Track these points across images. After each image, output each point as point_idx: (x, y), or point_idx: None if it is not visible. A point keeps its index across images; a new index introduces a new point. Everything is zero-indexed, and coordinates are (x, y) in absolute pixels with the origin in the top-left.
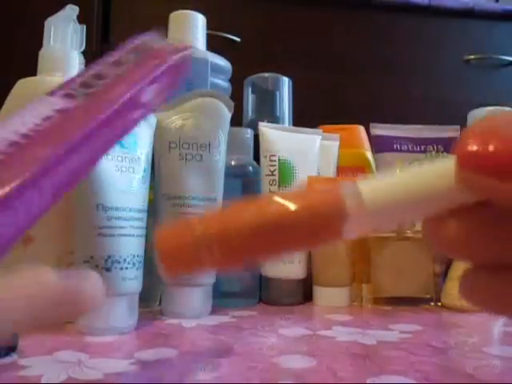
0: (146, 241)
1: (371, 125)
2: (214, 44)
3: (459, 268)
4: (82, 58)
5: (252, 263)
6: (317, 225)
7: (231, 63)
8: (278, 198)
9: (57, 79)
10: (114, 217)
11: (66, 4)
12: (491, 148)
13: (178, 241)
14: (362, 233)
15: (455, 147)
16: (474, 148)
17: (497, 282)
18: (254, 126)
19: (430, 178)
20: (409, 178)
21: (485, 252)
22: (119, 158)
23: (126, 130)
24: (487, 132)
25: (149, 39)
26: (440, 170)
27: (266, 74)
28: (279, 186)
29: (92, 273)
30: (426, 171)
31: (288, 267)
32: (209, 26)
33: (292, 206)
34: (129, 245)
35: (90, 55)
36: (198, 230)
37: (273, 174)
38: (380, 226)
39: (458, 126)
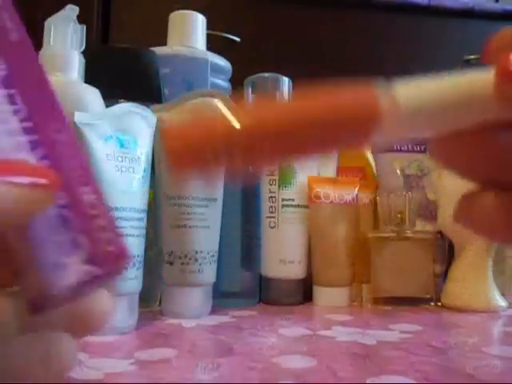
0: (146, 241)
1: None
2: (214, 44)
3: (459, 268)
4: (82, 57)
5: (275, 161)
6: (346, 124)
7: (231, 63)
8: (304, 94)
9: (57, 79)
10: (113, 217)
11: (66, 4)
12: None
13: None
14: (392, 138)
15: (496, 57)
16: None
17: (507, 203)
18: None
19: (468, 86)
20: (447, 84)
21: (498, 170)
22: (119, 158)
23: None
24: None
25: None
26: (480, 79)
27: (266, 74)
28: (279, 186)
29: (102, 290)
30: (466, 80)
31: (288, 267)
32: (209, 26)
33: (321, 102)
34: (129, 245)
35: (90, 55)
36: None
37: (273, 174)
38: (411, 133)
39: None
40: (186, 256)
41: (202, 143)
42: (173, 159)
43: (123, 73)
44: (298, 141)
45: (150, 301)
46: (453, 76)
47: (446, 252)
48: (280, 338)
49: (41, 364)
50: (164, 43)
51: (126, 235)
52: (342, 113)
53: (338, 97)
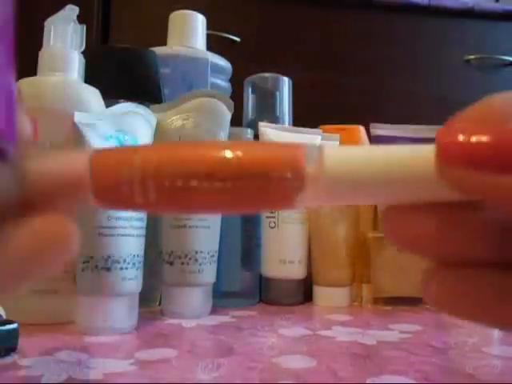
0: (146, 241)
1: (371, 125)
2: (214, 44)
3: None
4: (82, 57)
5: (188, 212)
6: (266, 186)
7: (231, 63)
8: (229, 145)
9: (57, 79)
10: (113, 217)
11: (66, 4)
12: (486, 136)
13: (113, 170)
14: (316, 204)
15: (437, 135)
16: (462, 137)
17: (473, 281)
18: (253, 126)
19: (408, 159)
20: (383, 154)
21: (463, 250)
22: None
23: None
24: (482, 116)
25: None
26: (422, 155)
27: (266, 74)
28: None
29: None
30: (406, 152)
31: (288, 267)
32: (209, 26)
33: (242, 156)
34: (129, 245)
35: (90, 55)
36: (135, 160)
37: None
38: (337, 201)
39: None
40: (186, 256)
41: (122, 177)
42: (97, 192)
43: (123, 73)
44: (212, 193)
45: (150, 301)
46: (394, 147)
47: None
48: (280, 338)
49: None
50: (164, 43)
51: (126, 235)
52: (264, 173)
53: (264, 153)
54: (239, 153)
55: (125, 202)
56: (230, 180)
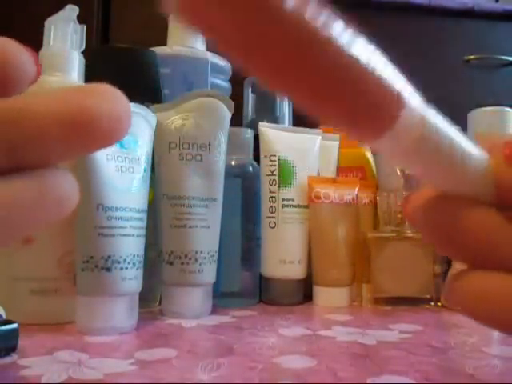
0: (146, 241)
1: None
2: (214, 44)
3: (459, 268)
4: (82, 57)
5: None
6: (370, 94)
7: (231, 63)
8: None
9: (57, 79)
10: (114, 217)
11: (66, 4)
12: None
13: None
14: (397, 156)
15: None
16: None
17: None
18: (254, 126)
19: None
20: (463, 142)
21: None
22: (119, 158)
23: None
24: None
25: None
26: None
27: None
28: (279, 186)
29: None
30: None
31: (288, 267)
32: None
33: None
34: (129, 245)
35: (90, 55)
36: None
37: (273, 174)
38: (410, 158)
39: (458, 126)
40: (186, 256)
41: None
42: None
43: (123, 73)
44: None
45: (150, 301)
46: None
47: None
48: (280, 337)
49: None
50: (164, 43)
51: (126, 235)
52: (370, 86)
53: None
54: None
55: None
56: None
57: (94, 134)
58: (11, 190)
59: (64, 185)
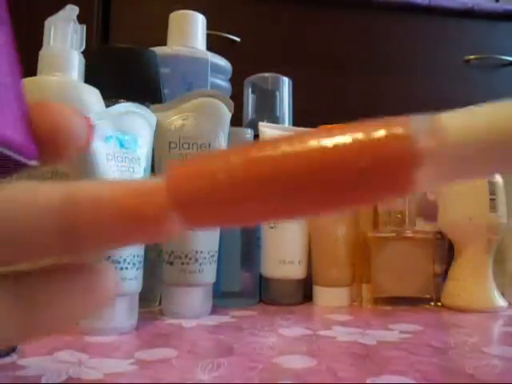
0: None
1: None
2: (214, 44)
3: (459, 268)
4: (82, 57)
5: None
6: (371, 171)
7: (231, 63)
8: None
9: (57, 79)
10: None
11: (66, 4)
12: None
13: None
14: (439, 183)
15: None
16: None
17: None
18: (253, 126)
19: None
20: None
21: None
22: (119, 158)
23: None
24: None
25: None
26: None
27: (266, 74)
28: None
29: (106, 266)
30: None
31: (288, 267)
32: (209, 26)
33: (335, 142)
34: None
35: (90, 55)
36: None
37: None
38: (463, 175)
39: None
40: (186, 256)
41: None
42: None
43: (123, 73)
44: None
45: (150, 301)
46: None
47: (446, 252)
48: (280, 338)
49: (83, 295)
50: (164, 43)
51: None
52: (366, 155)
53: (361, 134)
54: (331, 141)
55: (207, 181)
56: (319, 172)
57: (146, 232)
58: (62, 284)
59: (107, 285)
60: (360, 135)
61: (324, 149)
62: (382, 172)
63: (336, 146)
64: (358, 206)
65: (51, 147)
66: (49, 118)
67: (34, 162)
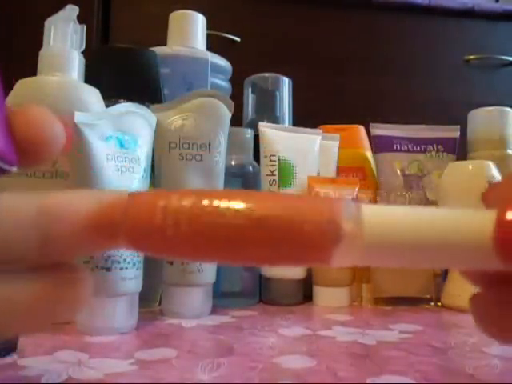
0: None
1: (371, 125)
2: (214, 44)
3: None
4: (82, 57)
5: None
6: (300, 241)
7: (231, 63)
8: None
9: (57, 79)
10: None
11: (66, 4)
12: None
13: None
14: (351, 264)
15: (498, 215)
16: None
17: None
18: (253, 126)
19: (462, 226)
20: (430, 216)
21: None
22: (119, 158)
23: None
24: None
25: None
26: (477, 224)
27: (266, 74)
28: (279, 186)
29: (83, 274)
30: (458, 217)
31: (288, 267)
32: (209, 26)
33: (277, 209)
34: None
35: (90, 55)
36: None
37: (273, 174)
38: (374, 263)
39: (458, 126)
40: None
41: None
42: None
43: (123, 73)
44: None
45: (150, 301)
46: (440, 212)
47: None
48: (280, 338)
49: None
50: (164, 43)
51: None
52: (298, 227)
53: (298, 207)
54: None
55: (155, 237)
56: (257, 230)
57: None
58: (34, 289)
59: (82, 288)
60: (299, 210)
61: (267, 214)
62: (306, 245)
63: (278, 209)
64: (285, 263)
65: (30, 153)
66: (28, 125)
67: (14, 169)
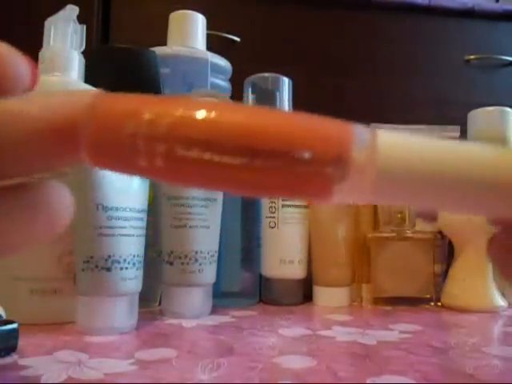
0: (146, 241)
1: (371, 125)
2: (214, 44)
3: (459, 268)
4: (82, 57)
5: (199, 186)
6: (296, 169)
7: (231, 63)
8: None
9: (57, 79)
10: (113, 217)
11: (66, 4)
12: None
13: (116, 122)
14: (359, 201)
15: None
16: None
17: None
18: None
19: (489, 159)
20: (454, 147)
21: None
22: None
23: None
24: None
25: None
26: (500, 158)
27: (266, 74)
28: None
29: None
30: (478, 150)
31: (288, 267)
32: (209, 26)
33: (273, 129)
34: (129, 245)
35: (90, 55)
36: (144, 115)
37: None
38: (385, 198)
39: (458, 126)
40: (186, 256)
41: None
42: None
43: (123, 73)
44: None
45: (150, 301)
46: (461, 143)
47: (446, 252)
48: (280, 338)
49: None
50: (164, 43)
51: (126, 235)
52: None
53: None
54: (262, 121)
55: (124, 162)
56: (250, 156)
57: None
58: None
59: (57, 200)
60: (303, 126)
61: (261, 128)
62: (303, 174)
63: (272, 127)
64: (278, 194)
65: None
66: None
67: None
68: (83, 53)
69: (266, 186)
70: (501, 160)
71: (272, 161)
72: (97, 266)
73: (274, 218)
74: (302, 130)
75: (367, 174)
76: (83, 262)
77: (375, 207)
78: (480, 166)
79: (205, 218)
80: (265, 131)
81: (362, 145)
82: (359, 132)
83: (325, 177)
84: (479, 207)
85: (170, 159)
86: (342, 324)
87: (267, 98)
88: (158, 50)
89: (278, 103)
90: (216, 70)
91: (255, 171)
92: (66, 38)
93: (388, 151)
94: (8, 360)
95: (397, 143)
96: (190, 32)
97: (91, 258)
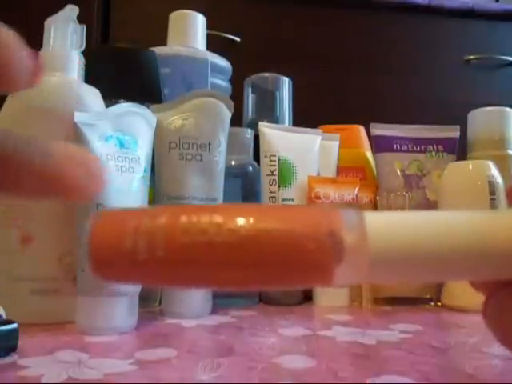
0: None
1: (371, 125)
2: (214, 44)
3: None
4: (82, 57)
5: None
6: (296, 259)
7: (231, 63)
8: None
9: (57, 79)
10: None
11: (66, 4)
12: None
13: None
14: (356, 281)
15: None
16: None
17: None
18: (254, 126)
19: (484, 228)
20: (444, 220)
21: None
22: (119, 158)
23: None
24: None
25: None
26: (501, 224)
27: (266, 74)
28: (279, 186)
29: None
30: (472, 217)
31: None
32: (209, 26)
33: (267, 222)
34: None
35: (90, 55)
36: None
37: (273, 174)
38: (382, 278)
39: (458, 126)
40: None
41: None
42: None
43: (123, 73)
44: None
45: (150, 301)
46: (453, 212)
47: None
48: (280, 337)
49: None
50: (164, 43)
51: None
52: (293, 245)
53: (292, 221)
54: (258, 219)
55: (125, 258)
56: (246, 251)
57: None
58: None
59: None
60: (293, 223)
61: (256, 230)
62: (304, 265)
63: (268, 227)
64: (279, 286)
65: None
66: None
67: None
68: (83, 53)
69: (270, 283)
70: (490, 225)
71: (273, 269)
72: None
73: None
74: (299, 222)
75: (361, 257)
76: (83, 261)
77: (375, 207)
78: (469, 236)
79: None
80: (264, 231)
81: (352, 227)
82: (347, 214)
83: (324, 257)
84: (475, 273)
85: (170, 246)
86: (342, 324)
87: (267, 98)
88: (158, 49)
89: (277, 103)
90: (216, 70)
91: (257, 276)
92: (65, 38)
93: (377, 233)
94: (8, 360)
95: (385, 223)
96: (190, 32)
97: None
